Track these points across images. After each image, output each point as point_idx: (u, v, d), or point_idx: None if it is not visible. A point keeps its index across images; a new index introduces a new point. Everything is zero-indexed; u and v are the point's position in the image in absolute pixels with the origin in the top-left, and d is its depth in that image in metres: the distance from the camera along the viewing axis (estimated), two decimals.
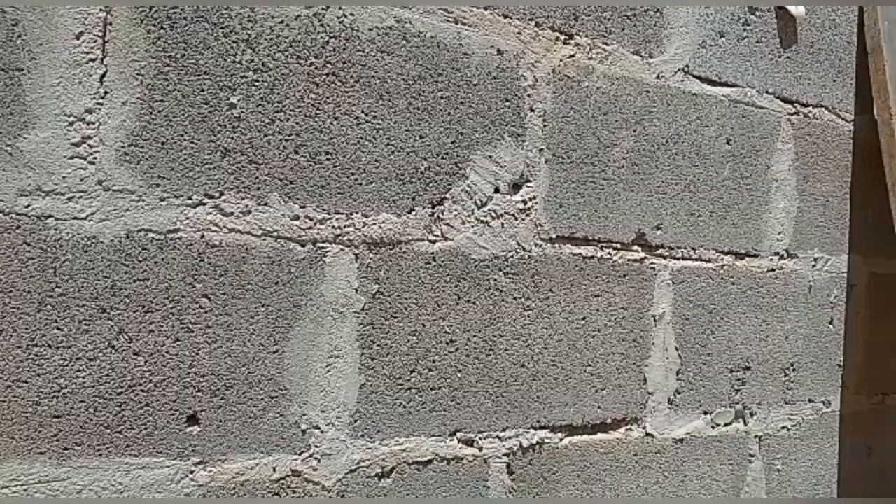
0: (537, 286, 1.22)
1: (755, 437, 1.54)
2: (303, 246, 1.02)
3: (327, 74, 1.03)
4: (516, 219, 1.20)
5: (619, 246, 1.32)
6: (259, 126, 0.98)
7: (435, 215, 1.12)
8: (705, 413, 1.46)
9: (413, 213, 1.11)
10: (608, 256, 1.30)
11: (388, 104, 1.08)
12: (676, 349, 1.40)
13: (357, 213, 1.06)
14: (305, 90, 1.01)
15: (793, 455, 1.61)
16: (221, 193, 0.96)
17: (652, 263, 1.36)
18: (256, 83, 0.98)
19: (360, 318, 1.06)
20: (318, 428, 1.03)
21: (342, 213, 1.04)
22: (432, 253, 1.12)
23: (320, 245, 1.03)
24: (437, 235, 1.13)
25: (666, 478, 1.40)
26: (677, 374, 1.41)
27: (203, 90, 0.94)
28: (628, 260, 1.33)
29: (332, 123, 1.03)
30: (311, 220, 1.02)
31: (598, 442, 1.32)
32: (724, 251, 1.46)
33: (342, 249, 1.05)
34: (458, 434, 1.16)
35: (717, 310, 1.46)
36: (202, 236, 0.94)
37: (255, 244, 0.98)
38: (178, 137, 0.93)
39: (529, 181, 1.21)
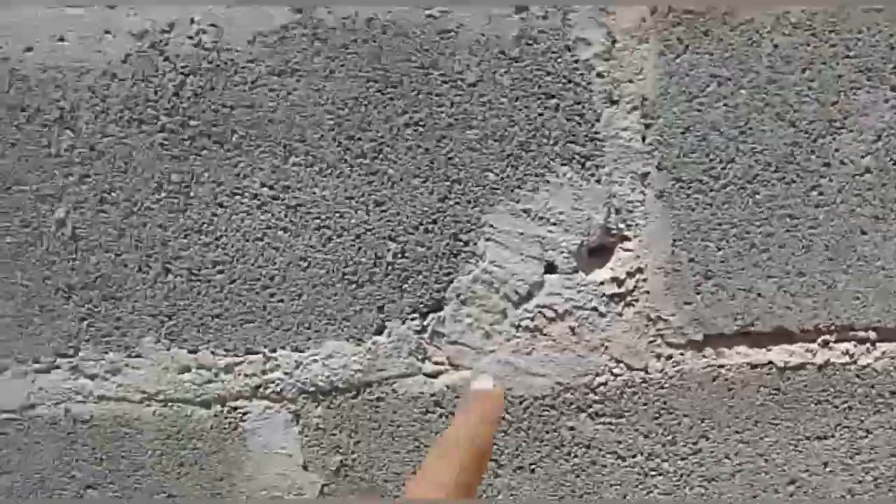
0: (671, 431, 0.64)
1: None
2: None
3: None
4: (603, 315, 0.63)
5: None
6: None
7: (426, 337, 0.64)
8: None
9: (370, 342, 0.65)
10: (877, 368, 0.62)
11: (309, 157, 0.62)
12: None
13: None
14: None
15: None
16: None
17: None
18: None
19: None
20: None
21: None
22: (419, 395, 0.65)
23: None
24: (437, 364, 0.65)
25: None
26: None
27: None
28: None
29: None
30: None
31: None
32: None
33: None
34: None
35: None
36: None
37: None
38: None
39: (628, 233, 0.62)
